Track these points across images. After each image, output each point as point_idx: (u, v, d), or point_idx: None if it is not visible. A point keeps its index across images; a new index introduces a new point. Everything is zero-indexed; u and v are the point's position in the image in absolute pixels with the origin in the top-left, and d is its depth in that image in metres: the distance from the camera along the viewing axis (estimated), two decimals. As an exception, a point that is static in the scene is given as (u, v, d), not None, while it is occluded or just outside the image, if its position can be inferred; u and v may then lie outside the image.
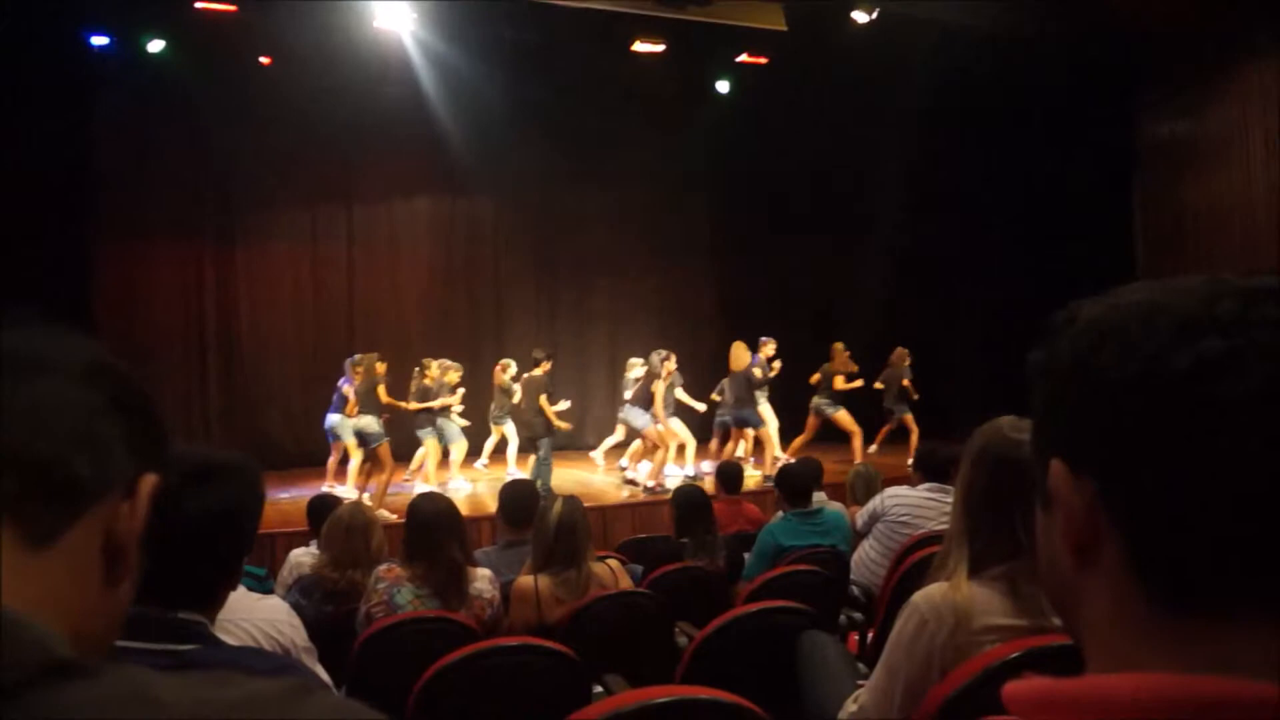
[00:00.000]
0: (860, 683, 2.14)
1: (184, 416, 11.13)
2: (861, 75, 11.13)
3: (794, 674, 2.81)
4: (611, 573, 3.58)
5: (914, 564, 3.48)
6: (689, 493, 4.99)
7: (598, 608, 3.31)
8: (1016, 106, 10.90)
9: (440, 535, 3.33)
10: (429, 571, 3.29)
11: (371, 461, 8.83)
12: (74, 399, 0.65)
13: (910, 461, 9.76)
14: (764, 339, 10.19)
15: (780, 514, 4.93)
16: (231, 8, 9.43)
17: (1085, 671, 0.63)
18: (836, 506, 5.24)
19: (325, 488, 8.65)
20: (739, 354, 9.76)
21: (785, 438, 10.27)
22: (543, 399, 9.00)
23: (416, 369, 9.48)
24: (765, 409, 10.12)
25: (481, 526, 7.56)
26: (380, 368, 9.00)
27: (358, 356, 9.02)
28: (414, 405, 9.28)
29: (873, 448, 10.15)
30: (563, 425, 9.17)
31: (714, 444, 10.18)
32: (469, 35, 10.23)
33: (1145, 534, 0.60)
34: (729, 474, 6.51)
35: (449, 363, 9.57)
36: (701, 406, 9.99)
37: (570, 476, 9.90)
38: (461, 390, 9.61)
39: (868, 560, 4.60)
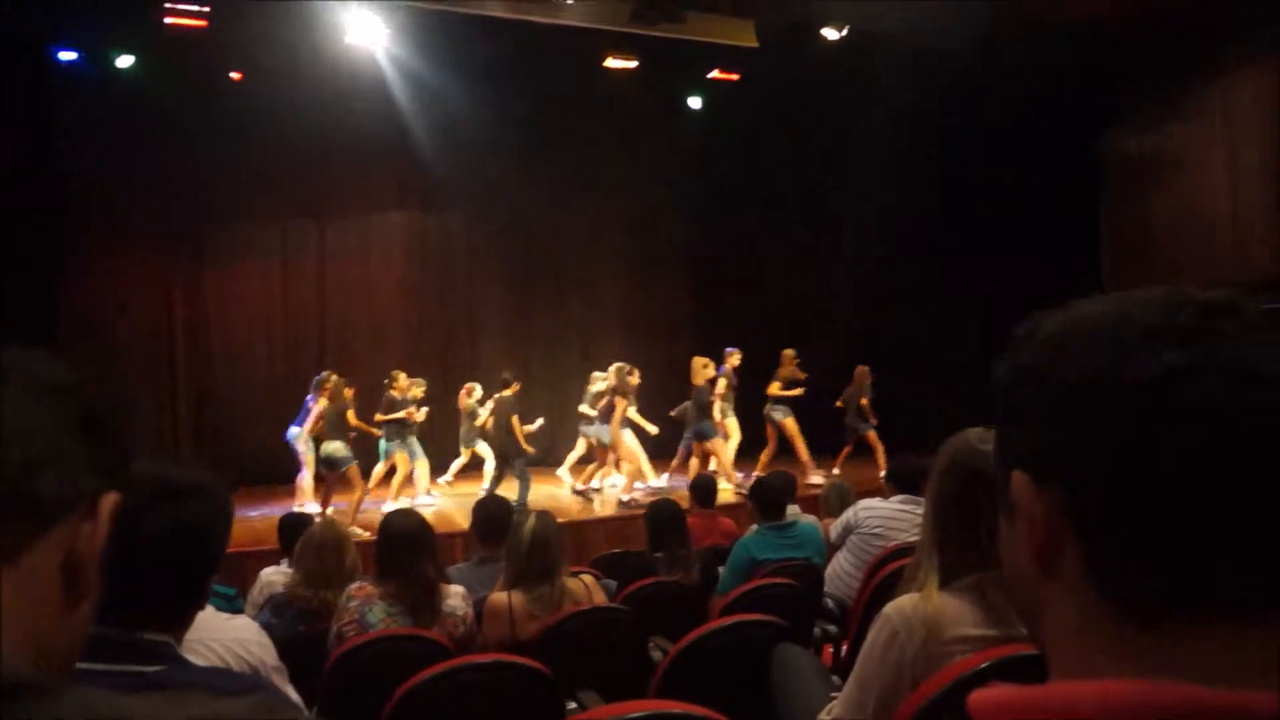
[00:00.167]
0: (834, 695, 2.14)
1: (153, 433, 11.00)
2: (832, 91, 11.25)
3: (768, 687, 2.81)
4: (585, 588, 3.57)
5: (887, 576, 3.49)
6: (663, 507, 4.98)
7: (571, 623, 3.30)
8: (984, 121, 11.03)
9: (413, 552, 3.30)
10: (402, 589, 3.26)
11: (342, 483, 8.77)
12: (37, 417, 0.64)
13: (882, 474, 9.89)
14: (729, 350, 10.22)
15: (754, 527, 4.94)
16: (201, 23, 9.37)
17: (1049, 679, 0.64)
18: (810, 519, 5.25)
19: (295, 506, 8.61)
20: (697, 369, 9.80)
21: (754, 451, 10.29)
22: (514, 420, 9.00)
23: (386, 380, 9.46)
24: (731, 423, 10.12)
25: (452, 544, 7.51)
26: (348, 393, 8.96)
27: (325, 374, 8.96)
28: (379, 416, 9.28)
29: (835, 469, 10.18)
30: (529, 449, 9.16)
31: (676, 460, 10.19)
32: (441, 51, 10.23)
33: (1106, 543, 0.61)
34: (703, 488, 6.50)
35: (417, 379, 9.60)
36: (654, 429, 9.95)
37: (541, 492, 9.87)
38: (425, 409, 9.58)
39: (842, 573, 4.61)
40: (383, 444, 9.42)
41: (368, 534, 7.11)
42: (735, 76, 11.63)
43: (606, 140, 12.67)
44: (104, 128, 10.77)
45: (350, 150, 11.80)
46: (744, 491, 9.19)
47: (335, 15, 9.31)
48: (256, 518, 8.64)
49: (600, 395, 9.81)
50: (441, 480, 10.45)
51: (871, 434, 10.44)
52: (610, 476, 10.22)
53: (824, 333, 12.31)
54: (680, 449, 10.13)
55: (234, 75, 10.70)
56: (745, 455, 10.35)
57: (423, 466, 9.62)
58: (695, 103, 12.38)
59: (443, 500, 9.75)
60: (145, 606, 1.35)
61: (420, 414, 9.51)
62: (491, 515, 4.29)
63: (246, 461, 10.75)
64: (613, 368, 9.55)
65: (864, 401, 10.49)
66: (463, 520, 8.43)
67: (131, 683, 1.28)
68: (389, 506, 8.99)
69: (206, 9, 9.28)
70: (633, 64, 10.86)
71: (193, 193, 11.56)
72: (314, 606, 3.59)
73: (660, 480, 9.98)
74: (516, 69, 11.04)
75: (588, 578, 3.70)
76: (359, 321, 12.46)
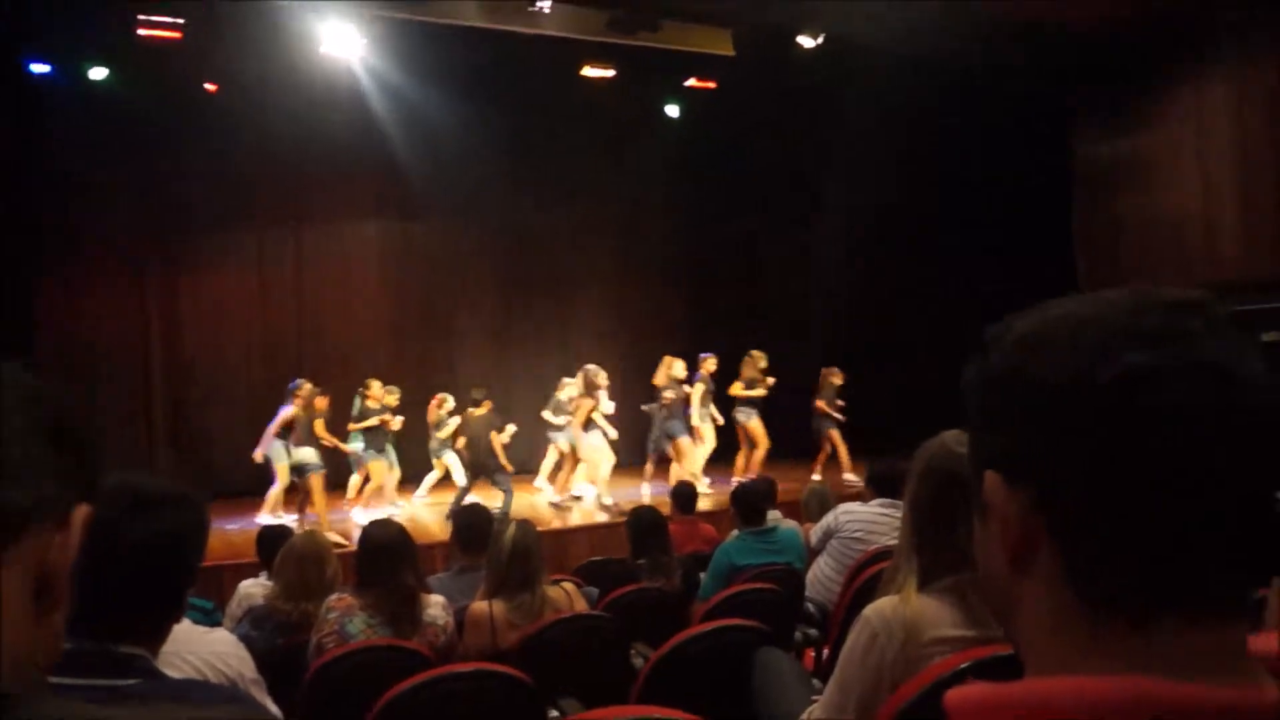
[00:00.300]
0: (815, 698, 2.15)
1: (129, 445, 10.91)
2: (808, 98, 11.31)
3: (749, 691, 2.82)
4: (567, 596, 3.56)
5: (868, 579, 3.51)
6: (644, 514, 4.99)
7: (553, 631, 3.29)
8: (958, 126, 11.11)
9: (392, 562, 3.29)
10: (382, 599, 3.24)
11: (304, 492, 8.77)
12: (5, 426, 0.64)
13: (845, 476, 9.95)
14: (703, 356, 10.24)
15: (735, 533, 4.94)
16: (175, 34, 9.31)
17: (1024, 676, 0.65)
18: (791, 524, 5.26)
19: (262, 516, 8.60)
20: (662, 367, 9.88)
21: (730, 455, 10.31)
22: (494, 438, 9.02)
23: (360, 389, 9.44)
24: (707, 428, 10.14)
25: (428, 554, 7.46)
26: (320, 403, 8.95)
27: (299, 382, 8.93)
28: (353, 425, 9.28)
29: (815, 474, 10.22)
30: (509, 467, 9.15)
31: (649, 467, 10.20)
32: (418, 60, 10.21)
33: (1077, 542, 0.61)
34: (683, 494, 6.51)
35: (390, 387, 9.59)
36: (613, 434, 9.93)
37: (521, 502, 9.85)
38: (400, 418, 9.56)
39: (823, 577, 4.62)
40: (358, 451, 9.40)
41: (347, 542, 7.08)
42: (713, 84, 11.68)
43: (586, 148, 12.69)
44: (78, 139, 10.69)
45: (327, 160, 11.76)
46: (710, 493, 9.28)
47: (310, 25, 9.26)
48: (234, 530, 8.57)
49: (570, 400, 9.79)
50: (415, 498, 10.39)
51: (834, 432, 10.47)
52: (581, 482, 10.17)
53: (809, 335, 12.37)
54: (650, 454, 10.13)
55: (209, 86, 10.65)
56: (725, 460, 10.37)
57: (393, 476, 9.61)
58: (673, 111, 12.41)
59: (408, 509, 9.73)
60: (120, 618, 1.34)
61: (396, 422, 9.48)
62: (472, 524, 4.28)
63: (223, 473, 10.66)
64: (580, 370, 9.55)
65: (819, 403, 10.51)
66: (437, 530, 8.43)
67: (106, 697, 1.27)
68: (359, 515, 9.00)
69: (180, 20, 9.22)
70: (610, 73, 10.88)
71: (169, 203, 11.49)
72: (293, 618, 3.57)
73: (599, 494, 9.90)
74: (494, 78, 11.04)
75: (569, 585, 3.70)
76: (337, 331, 12.40)
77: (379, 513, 8.44)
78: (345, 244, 12.63)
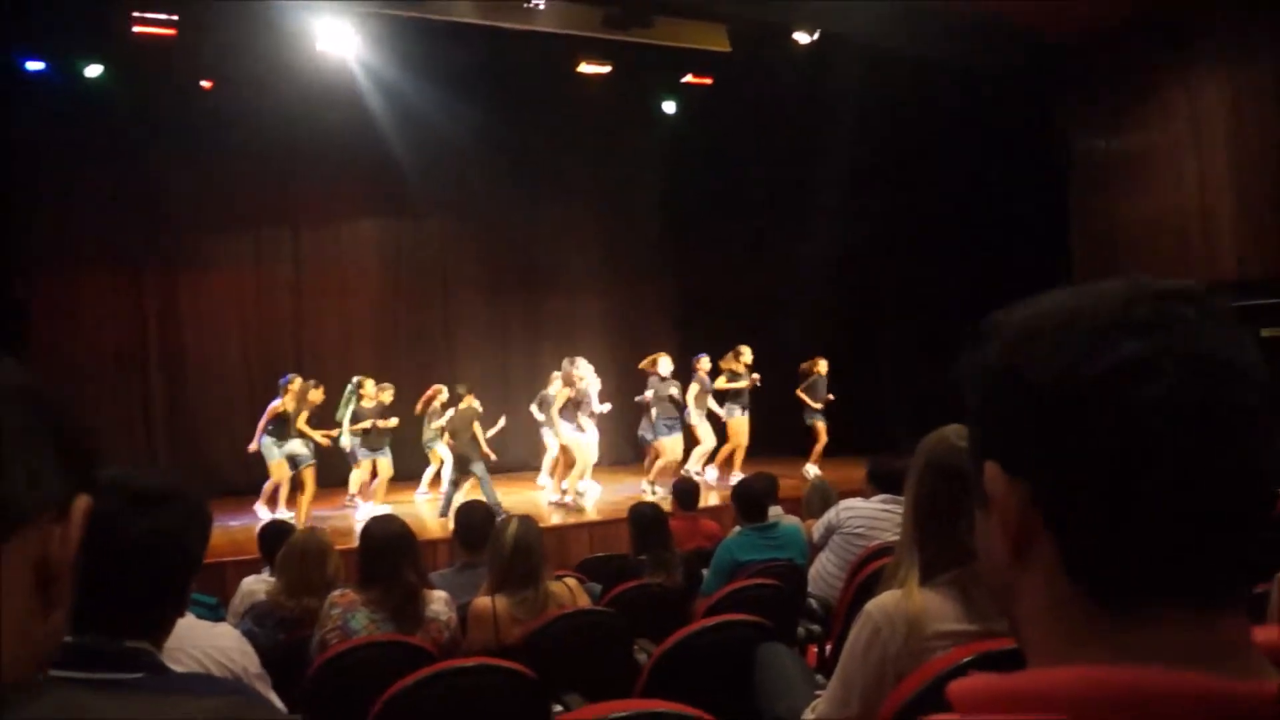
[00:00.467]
0: (818, 693, 2.15)
1: (128, 444, 10.89)
2: (804, 94, 11.28)
3: (752, 686, 2.82)
4: (570, 591, 3.57)
5: (870, 575, 3.51)
6: (646, 510, 4.99)
7: (556, 627, 3.30)
8: (954, 122, 11.11)
9: (394, 558, 3.30)
10: (384, 595, 3.25)
11: (299, 484, 8.84)
12: (1, 419, 0.64)
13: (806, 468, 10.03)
14: (697, 357, 10.30)
15: (737, 529, 4.95)
16: (170, 31, 9.29)
17: (1025, 667, 0.65)
18: (793, 520, 5.26)
19: (262, 509, 8.62)
20: (649, 362, 9.97)
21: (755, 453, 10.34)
22: (476, 428, 9.17)
23: (352, 389, 9.47)
24: (703, 428, 10.16)
25: (430, 551, 7.48)
26: (315, 395, 9.00)
27: (290, 377, 8.96)
28: (353, 428, 9.36)
29: (815, 469, 10.25)
30: (490, 455, 9.25)
31: (647, 463, 10.23)
32: (414, 57, 10.19)
33: (1075, 532, 0.62)
34: (685, 490, 6.52)
35: (384, 384, 9.65)
36: (592, 430, 9.93)
37: (524, 499, 9.86)
38: (395, 419, 9.59)
39: (825, 573, 4.63)
40: (354, 449, 9.43)
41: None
42: (709, 80, 11.66)
43: (582, 145, 12.68)
44: (73, 137, 10.67)
45: (323, 158, 11.73)
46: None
47: (305, 23, 9.24)
48: (236, 527, 8.58)
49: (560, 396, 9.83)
50: (417, 494, 10.47)
51: (817, 423, 10.55)
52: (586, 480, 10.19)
53: (804, 333, 12.35)
54: (650, 450, 10.17)
55: (204, 84, 10.62)
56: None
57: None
58: (669, 107, 12.39)
59: (405, 507, 9.75)
60: (125, 613, 1.34)
61: (391, 421, 9.52)
62: (473, 521, 4.28)
63: (223, 471, 10.68)
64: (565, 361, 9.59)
65: (799, 392, 10.54)
66: (435, 528, 8.45)
67: (111, 691, 1.27)
68: (364, 510, 9.04)
69: (175, 17, 9.20)
70: (606, 69, 10.86)
71: (164, 202, 11.47)
72: (296, 615, 3.57)
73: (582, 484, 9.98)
74: (490, 75, 11.02)
75: (571, 581, 3.70)
76: (334, 329, 12.39)
77: (382, 508, 8.48)
78: (342, 242, 12.61)
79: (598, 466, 10.21)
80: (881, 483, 4.84)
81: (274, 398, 8.91)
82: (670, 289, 14.01)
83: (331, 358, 11.74)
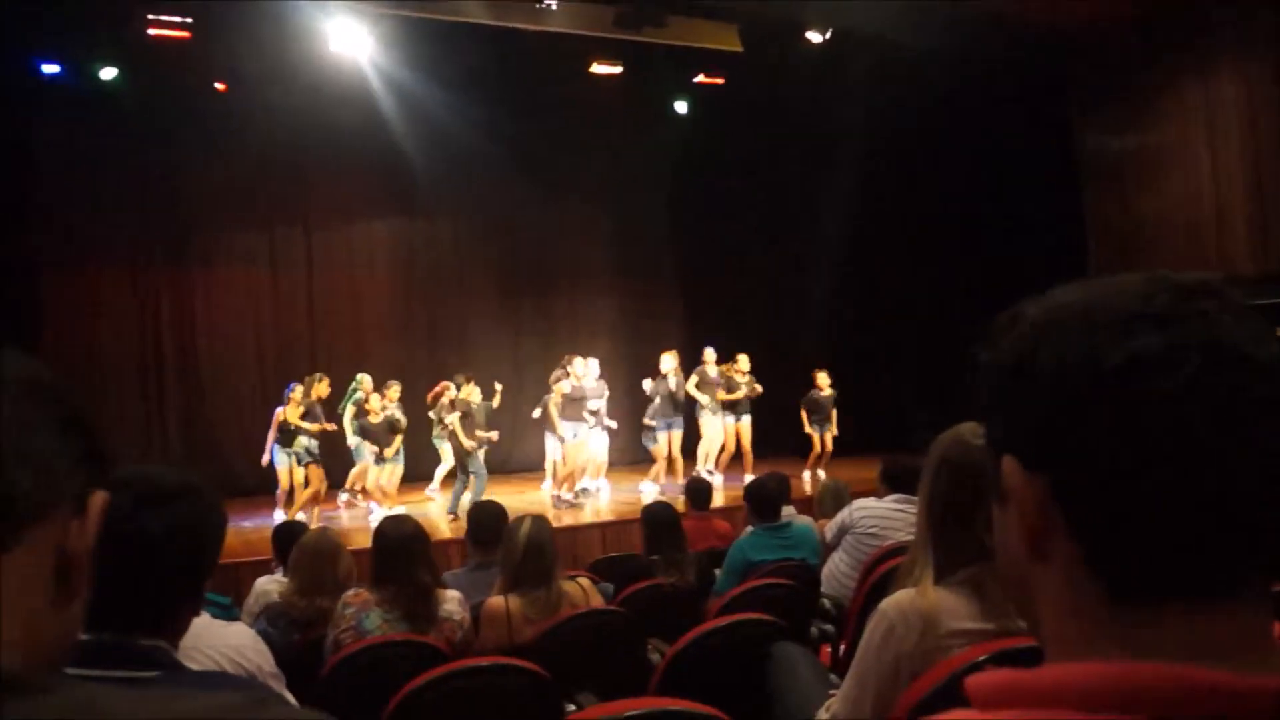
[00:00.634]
0: (832, 692, 2.15)
1: (142, 443, 10.97)
2: (817, 93, 11.27)
3: (766, 686, 2.82)
4: (582, 591, 3.57)
5: (883, 575, 3.49)
6: (658, 511, 4.99)
7: (569, 626, 3.30)
8: (967, 121, 11.07)
9: (407, 558, 3.30)
10: (397, 595, 3.26)
11: (299, 480, 8.96)
12: (13, 414, 0.64)
13: (807, 475, 10.11)
14: (705, 351, 10.32)
15: (749, 529, 4.94)
16: (184, 34, 9.35)
17: (1044, 662, 0.65)
18: (805, 520, 5.25)
19: (281, 512, 8.65)
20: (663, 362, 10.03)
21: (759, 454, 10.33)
22: (455, 421, 9.31)
23: (354, 386, 9.51)
24: (708, 425, 10.16)
25: (443, 552, 7.49)
26: (320, 389, 9.13)
27: (295, 386, 9.08)
28: (347, 430, 9.47)
29: (821, 473, 10.23)
30: (469, 446, 9.28)
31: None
32: (427, 57, 10.23)
33: (1094, 527, 0.61)
34: (698, 491, 6.51)
35: (390, 381, 9.73)
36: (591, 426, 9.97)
37: (534, 499, 9.87)
38: (403, 419, 9.63)
39: (838, 573, 4.61)
40: (359, 449, 9.51)
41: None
42: (721, 80, 11.65)
43: (593, 145, 12.70)
44: (88, 139, 10.76)
45: (336, 158, 11.80)
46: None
47: (318, 24, 9.30)
48: (250, 528, 8.61)
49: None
50: (428, 490, 10.49)
51: (814, 433, 10.58)
52: (595, 478, 10.21)
53: (815, 334, 12.34)
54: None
55: (218, 85, 10.70)
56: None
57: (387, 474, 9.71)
58: (681, 107, 12.39)
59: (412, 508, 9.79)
60: (140, 610, 1.34)
61: (401, 420, 9.56)
62: (485, 521, 4.29)
63: (238, 471, 10.72)
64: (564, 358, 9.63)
65: (802, 411, 10.59)
66: (445, 529, 8.47)
67: (127, 688, 1.28)
68: (385, 511, 9.06)
69: (189, 20, 9.26)
70: (618, 69, 10.86)
71: (178, 202, 11.55)
72: (309, 615, 3.58)
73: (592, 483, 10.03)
74: (502, 76, 11.06)
75: (585, 581, 3.70)
76: (348, 328, 12.45)
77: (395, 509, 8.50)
78: (355, 241, 12.67)
79: (611, 467, 10.21)
80: (895, 482, 4.82)
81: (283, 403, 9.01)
82: (681, 288, 14.02)
83: (344, 357, 11.78)
